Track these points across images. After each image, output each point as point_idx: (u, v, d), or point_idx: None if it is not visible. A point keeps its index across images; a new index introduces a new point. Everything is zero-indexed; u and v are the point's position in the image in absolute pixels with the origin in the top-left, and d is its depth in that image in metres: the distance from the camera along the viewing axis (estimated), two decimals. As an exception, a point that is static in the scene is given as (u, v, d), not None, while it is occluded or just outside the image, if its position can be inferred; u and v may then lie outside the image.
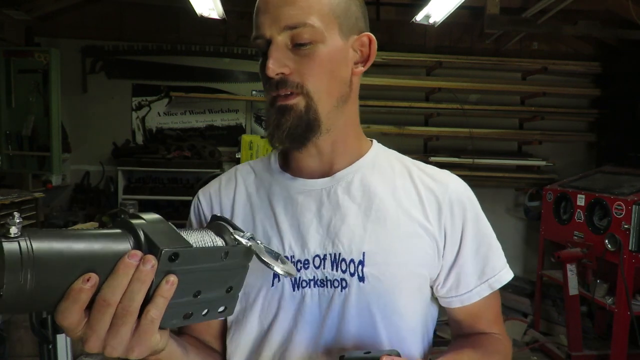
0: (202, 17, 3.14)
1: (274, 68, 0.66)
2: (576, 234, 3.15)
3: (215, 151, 3.95)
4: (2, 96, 3.53)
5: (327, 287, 0.71)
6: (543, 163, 4.06)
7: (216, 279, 0.54)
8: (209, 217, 0.76)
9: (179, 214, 3.97)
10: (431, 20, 3.13)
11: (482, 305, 0.78)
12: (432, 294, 0.79)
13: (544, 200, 3.60)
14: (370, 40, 0.75)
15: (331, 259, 0.71)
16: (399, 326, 0.72)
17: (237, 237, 0.56)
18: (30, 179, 3.63)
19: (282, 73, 0.67)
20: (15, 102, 3.56)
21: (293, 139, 0.69)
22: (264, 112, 0.66)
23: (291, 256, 0.72)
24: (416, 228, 0.74)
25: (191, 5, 2.98)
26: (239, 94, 4.09)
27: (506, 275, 0.78)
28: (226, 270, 0.54)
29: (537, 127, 4.18)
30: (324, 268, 0.71)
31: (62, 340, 1.44)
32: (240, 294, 0.63)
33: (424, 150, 4.12)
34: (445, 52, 4.00)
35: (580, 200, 3.15)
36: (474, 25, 4.05)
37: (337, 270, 0.71)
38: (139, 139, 4.09)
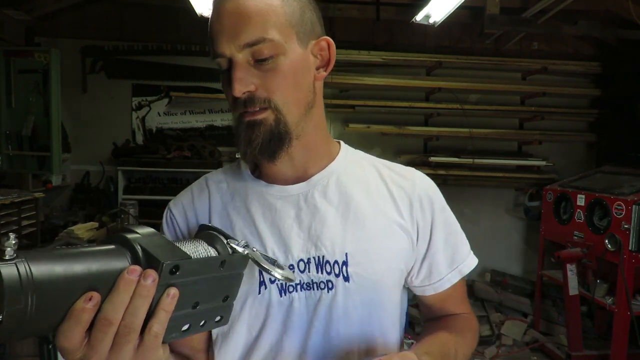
0: (202, 17, 3.14)
1: (240, 88, 0.67)
2: (576, 234, 3.15)
3: (215, 151, 3.95)
4: (2, 96, 3.53)
5: (313, 289, 0.72)
6: (543, 163, 4.06)
7: (214, 289, 0.54)
8: (183, 229, 0.77)
9: (179, 214, 3.97)
10: (431, 20, 3.13)
11: (451, 290, 0.83)
12: (405, 283, 0.83)
13: (544, 200, 3.60)
14: (328, 44, 0.75)
15: (315, 262, 0.72)
16: (383, 320, 0.76)
17: (232, 245, 0.56)
18: (30, 179, 3.63)
19: (249, 91, 0.68)
20: (15, 102, 3.56)
21: (265, 153, 0.70)
22: (234, 124, 0.71)
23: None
24: (392, 225, 0.77)
25: (191, 5, 2.98)
26: (239, 94, 4.08)
27: (472, 260, 0.84)
28: (223, 279, 0.54)
29: (537, 127, 4.18)
30: (309, 271, 0.72)
31: (62, 340, 1.44)
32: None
33: (424, 150, 4.12)
34: (445, 52, 4.00)
35: (580, 200, 3.15)
36: (474, 25, 4.04)
37: (322, 273, 0.72)
38: (139, 139, 4.09)
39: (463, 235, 0.85)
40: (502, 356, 3.35)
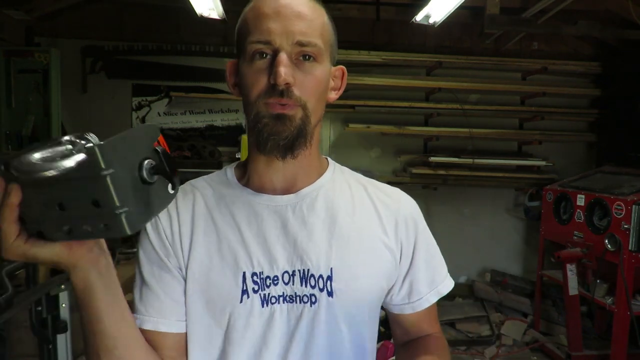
0: (202, 17, 3.14)
1: (285, 77, 0.67)
2: (576, 234, 3.15)
3: (215, 151, 3.96)
4: (2, 96, 3.53)
5: (296, 302, 0.71)
6: (543, 163, 4.06)
7: (73, 191, 0.52)
8: (167, 233, 0.73)
9: (179, 214, 3.97)
10: (431, 20, 3.13)
11: (427, 310, 0.84)
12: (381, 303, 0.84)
13: (544, 200, 3.60)
14: (343, 73, 0.81)
15: (300, 274, 0.72)
16: (363, 337, 0.77)
17: (75, 141, 0.56)
18: (30, 179, 3.63)
19: (288, 83, 0.68)
20: (15, 102, 3.56)
21: (288, 148, 0.71)
22: (250, 123, 0.71)
23: (260, 272, 0.72)
24: (377, 243, 0.78)
25: (191, 5, 2.98)
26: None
27: (450, 282, 0.86)
28: (75, 179, 0.52)
29: (537, 127, 4.18)
30: (293, 284, 0.72)
31: (62, 340, 1.44)
32: (205, 309, 0.67)
33: (424, 150, 4.12)
34: (445, 52, 4.00)
35: (580, 200, 3.15)
36: (474, 25, 4.04)
37: (306, 286, 0.71)
38: (139, 139, 4.09)
39: (442, 258, 0.86)
40: (502, 356, 3.35)
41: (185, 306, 0.72)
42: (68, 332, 1.45)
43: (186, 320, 0.73)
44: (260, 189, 0.77)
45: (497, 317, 3.78)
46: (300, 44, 0.69)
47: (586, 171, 3.74)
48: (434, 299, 0.83)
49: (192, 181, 0.81)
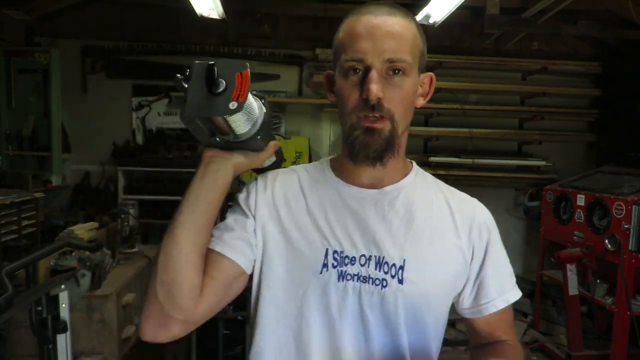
0: (202, 17, 3.14)
1: (377, 93, 0.74)
2: (576, 234, 3.15)
3: (215, 151, 3.95)
4: (2, 96, 3.53)
5: (368, 283, 0.79)
6: (543, 163, 4.06)
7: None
8: (261, 201, 0.84)
9: (179, 214, 3.97)
10: (431, 20, 3.13)
11: (498, 316, 0.88)
12: (452, 305, 0.89)
13: (543, 200, 3.60)
14: (431, 80, 0.86)
15: (375, 260, 0.80)
16: (426, 326, 0.82)
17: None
18: (30, 179, 3.63)
19: (379, 97, 0.75)
20: (15, 102, 3.56)
21: (377, 158, 0.79)
22: (345, 132, 0.81)
23: (340, 251, 0.80)
24: (449, 244, 0.84)
25: (191, 5, 2.98)
26: (239, 94, 4.08)
27: (518, 292, 0.90)
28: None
29: (537, 127, 4.18)
30: (368, 267, 0.79)
31: (62, 340, 1.44)
32: (286, 274, 0.80)
33: (424, 150, 4.12)
34: (445, 52, 4.00)
35: (580, 200, 3.15)
36: (474, 25, 4.04)
37: (379, 271, 0.79)
38: (139, 139, 4.09)
39: (511, 269, 0.91)
40: None
41: (262, 261, 0.82)
42: (68, 332, 1.45)
43: (261, 274, 0.82)
44: (349, 181, 0.85)
45: (497, 317, 3.77)
46: (390, 61, 0.75)
47: (586, 171, 3.74)
48: (501, 305, 0.87)
49: (294, 166, 0.92)
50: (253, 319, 0.84)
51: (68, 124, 3.93)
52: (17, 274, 1.51)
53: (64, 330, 1.43)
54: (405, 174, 0.88)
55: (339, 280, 0.79)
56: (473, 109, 4.03)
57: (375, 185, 0.85)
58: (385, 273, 0.79)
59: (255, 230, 0.83)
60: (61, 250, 1.80)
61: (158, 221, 3.93)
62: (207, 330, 2.76)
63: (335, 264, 0.79)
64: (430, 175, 0.94)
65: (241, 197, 0.86)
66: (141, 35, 4.00)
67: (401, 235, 0.81)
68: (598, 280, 3.00)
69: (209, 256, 0.78)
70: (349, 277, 0.79)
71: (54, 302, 1.42)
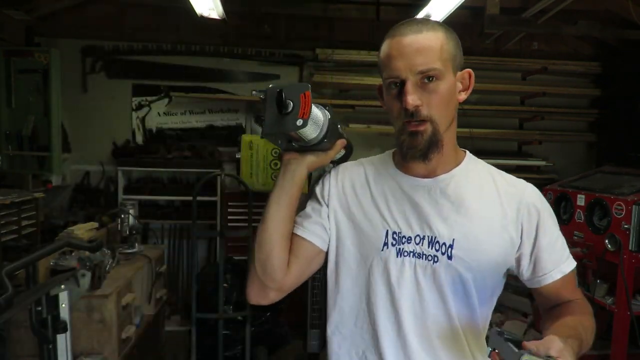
0: (202, 17, 3.14)
1: (413, 102, 0.87)
2: (576, 234, 3.15)
3: (215, 151, 3.95)
4: (2, 96, 3.53)
5: (422, 259, 0.93)
6: (543, 163, 4.06)
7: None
8: (332, 191, 1.02)
9: (179, 214, 3.97)
10: (431, 20, 3.13)
11: (559, 283, 0.99)
12: (504, 276, 1.01)
13: (544, 200, 3.59)
14: (470, 75, 0.98)
15: (428, 239, 0.94)
16: (473, 297, 0.95)
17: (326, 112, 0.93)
18: (30, 179, 3.63)
19: (416, 105, 0.88)
20: (15, 102, 3.56)
21: (422, 155, 0.92)
22: (395, 135, 0.98)
23: (399, 232, 0.95)
24: (495, 225, 0.95)
25: (191, 5, 2.98)
26: (239, 94, 4.08)
27: (572, 262, 1.01)
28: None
29: (537, 127, 4.18)
30: (422, 245, 0.94)
31: (62, 340, 1.44)
32: (357, 249, 0.97)
33: (424, 150, 4.12)
34: (445, 52, 3.99)
35: (580, 200, 3.15)
36: (474, 25, 4.04)
37: (432, 249, 0.93)
38: (139, 139, 4.09)
39: (564, 242, 1.01)
40: (502, 356, 3.35)
41: (337, 241, 1.00)
42: (68, 332, 1.44)
43: (336, 252, 1.00)
44: (409, 172, 0.99)
45: (497, 317, 3.78)
46: (422, 72, 0.88)
47: (586, 171, 3.74)
48: (557, 276, 0.98)
49: (362, 159, 1.09)
50: (333, 286, 1.02)
51: (68, 124, 3.93)
52: (17, 274, 1.51)
53: (64, 330, 1.43)
54: (458, 163, 1.00)
55: (397, 257, 0.94)
56: (473, 109, 4.03)
57: (430, 174, 0.97)
58: (437, 250, 0.93)
59: (328, 216, 1.01)
60: (61, 250, 1.80)
61: (158, 221, 3.94)
62: (207, 330, 2.76)
63: (394, 242, 0.94)
64: (483, 162, 1.05)
65: (317, 188, 1.05)
66: (141, 35, 4.00)
67: (451, 217, 0.94)
68: (598, 280, 3.00)
69: (293, 239, 0.99)
70: (405, 254, 0.94)
71: (54, 302, 1.42)
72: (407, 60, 0.88)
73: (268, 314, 3.01)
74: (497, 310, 3.85)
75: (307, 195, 1.07)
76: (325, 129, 0.91)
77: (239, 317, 2.75)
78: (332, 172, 1.06)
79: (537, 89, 4.02)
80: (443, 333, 0.94)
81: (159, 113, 4.10)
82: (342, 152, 1.05)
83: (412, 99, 0.87)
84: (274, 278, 0.97)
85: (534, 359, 0.73)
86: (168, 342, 3.20)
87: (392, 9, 3.80)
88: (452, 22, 3.49)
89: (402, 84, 0.89)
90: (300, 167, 0.96)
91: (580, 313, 0.99)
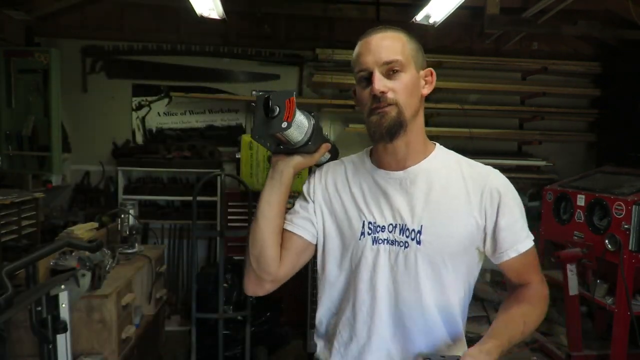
0: (202, 17, 3.14)
1: (379, 87, 0.98)
2: (576, 234, 3.15)
3: (215, 151, 3.95)
4: (2, 96, 3.53)
5: (395, 245, 1.03)
6: (543, 163, 4.06)
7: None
8: (317, 189, 1.13)
9: (179, 214, 3.97)
10: (431, 20, 3.13)
11: (518, 263, 1.08)
12: (476, 259, 1.09)
13: (544, 200, 3.60)
14: (431, 73, 1.09)
15: (400, 227, 1.03)
16: (443, 277, 1.03)
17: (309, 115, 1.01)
18: (30, 179, 3.63)
19: (382, 92, 0.98)
20: (15, 102, 3.56)
21: (388, 133, 1.00)
22: (365, 120, 1.08)
23: (374, 222, 1.05)
24: (461, 210, 1.03)
25: (191, 5, 2.98)
26: (239, 94, 4.08)
27: (529, 242, 1.09)
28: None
29: (537, 127, 4.18)
30: (394, 233, 1.04)
31: (62, 340, 1.44)
32: (339, 238, 1.08)
33: (424, 150, 4.11)
34: (445, 52, 4.00)
35: (580, 200, 3.15)
36: (474, 25, 4.04)
37: (403, 235, 1.03)
38: (139, 139, 4.10)
39: (525, 225, 1.11)
40: (502, 356, 3.35)
41: (324, 233, 1.11)
42: (68, 332, 1.44)
43: (323, 243, 1.11)
44: (380, 166, 1.09)
45: (497, 317, 3.77)
46: (386, 63, 0.99)
47: (586, 171, 3.74)
48: (513, 254, 1.06)
49: (343, 158, 1.19)
50: (321, 274, 1.13)
51: (68, 124, 3.94)
52: (17, 274, 1.51)
53: (64, 330, 1.42)
54: (427, 155, 1.08)
55: (373, 244, 1.04)
56: (473, 109, 4.03)
57: (401, 167, 1.06)
58: (407, 237, 1.02)
59: (315, 211, 1.11)
60: (61, 250, 1.80)
61: (158, 221, 3.94)
62: (207, 330, 2.76)
63: (370, 231, 1.05)
64: (454, 153, 1.13)
65: (304, 187, 1.15)
66: (141, 35, 4.00)
67: (420, 206, 1.03)
68: (598, 280, 3.00)
69: (284, 234, 1.09)
70: (380, 242, 1.04)
71: (54, 302, 1.42)
72: (373, 55, 1.00)
73: (268, 314, 3.01)
74: (497, 310, 3.86)
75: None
76: (309, 133, 1.00)
77: (239, 317, 2.75)
78: (317, 172, 1.17)
79: (537, 89, 4.02)
80: (416, 314, 1.03)
81: (159, 113, 4.10)
82: (328, 155, 1.13)
83: (379, 84, 0.98)
84: (268, 271, 1.06)
85: None
86: (168, 342, 3.20)
87: (392, 9, 3.80)
88: (452, 22, 3.53)
89: (370, 75, 1.00)
90: (287, 167, 1.05)
91: (528, 302, 1.07)
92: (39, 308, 1.38)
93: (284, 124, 0.92)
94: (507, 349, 0.97)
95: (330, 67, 3.97)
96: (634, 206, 2.72)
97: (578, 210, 3.17)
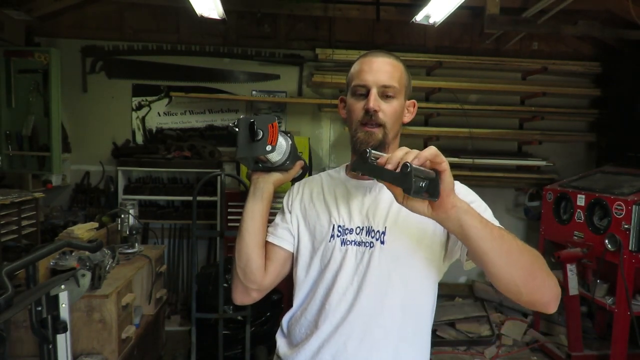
0: (202, 17, 3.14)
1: (374, 105, 1.09)
2: (576, 234, 3.15)
3: (215, 151, 3.95)
4: (2, 96, 3.53)
5: (361, 246, 1.11)
6: (543, 163, 4.06)
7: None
8: (295, 200, 1.23)
9: (179, 214, 3.97)
10: (431, 20, 3.13)
11: None
12: (440, 257, 1.12)
13: (544, 200, 3.60)
14: (414, 104, 1.22)
15: (366, 229, 1.11)
16: (406, 274, 1.09)
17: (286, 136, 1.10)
18: (30, 179, 3.63)
19: (375, 110, 1.09)
20: (15, 102, 3.55)
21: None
22: (351, 133, 1.19)
23: (343, 225, 1.13)
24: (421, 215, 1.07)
25: (191, 5, 2.98)
26: (238, 94, 4.09)
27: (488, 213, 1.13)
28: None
29: (537, 127, 4.18)
30: (361, 234, 1.11)
31: (62, 340, 1.44)
32: (309, 242, 1.16)
33: (424, 150, 4.11)
34: (445, 52, 4.00)
35: (580, 200, 3.15)
36: (474, 25, 4.05)
37: (369, 236, 1.10)
38: (139, 139, 4.09)
39: (490, 215, 1.13)
40: (502, 356, 3.35)
41: (298, 239, 1.19)
42: (68, 332, 1.44)
43: (297, 248, 1.18)
44: (353, 177, 1.20)
45: (497, 317, 3.78)
46: (384, 86, 1.11)
47: (586, 171, 3.74)
48: None
49: (321, 172, 1.31)
50: (294, 276, 1.19)
51: (68, 124, 3.94)
52: (17, 274, 1.51)
53: (64, 330, 1.42)
54: None
55: (341, 245, 1.12)
56: (473, 109, 4.03)
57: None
58: (372, 237, 1.10)
59: (291, 221, 1.20)
60: (61, 250, 1.80)
61: (158, 221, 3.94)
62: (207, 330, 2.76)
63: (339, 234, 1.12)
64: None
65: (284, 199, 1.26)
66: (141, 35, 4.00)
67: (385, 209, 1.11)
68: (598, 280, 3.00)
69: (267, 246, 1.18)
70: (348, 243, 1.11)
71: (54, 302, 1.42)
72: (374, 75, 1.11)
73: (268, 314, 3.01)
74: (497, 310, 3.86)
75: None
76: (288, 153, 1.09)
77: (239, 317, 2.75)
78: (295, 186, 1.27)
79: (537, 89, 4.02)
80: (377, 311, 1.07)
81: (159, 113, 4.10)
82: (300, 171, 1.23)
83: (374, 103, 1.09)
84: (253, 280, 1.15)
85: (419, 170, 0.80)
86: (168, 342, 3.20)
87: (392, 9, 3.80)
88: (452, 22, 3.54)
89: (368, 91, 1.11)
90: (267, 184, 1.14)
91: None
92: (39, 308, 1.38)
93: (269, 147, 0.98)
94: (482, 229, 0.93)
95: (330, 67, 3.98)
96: (634, 206, 2.72)
97: (578, 210, 3.17)
